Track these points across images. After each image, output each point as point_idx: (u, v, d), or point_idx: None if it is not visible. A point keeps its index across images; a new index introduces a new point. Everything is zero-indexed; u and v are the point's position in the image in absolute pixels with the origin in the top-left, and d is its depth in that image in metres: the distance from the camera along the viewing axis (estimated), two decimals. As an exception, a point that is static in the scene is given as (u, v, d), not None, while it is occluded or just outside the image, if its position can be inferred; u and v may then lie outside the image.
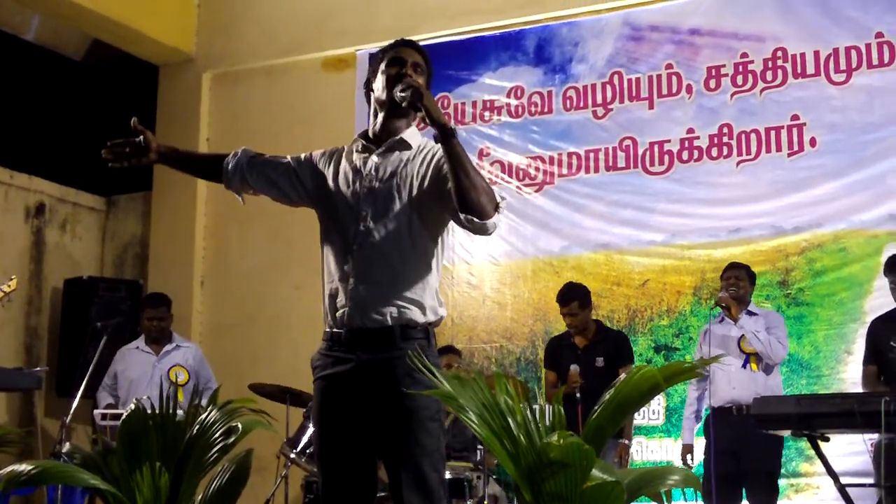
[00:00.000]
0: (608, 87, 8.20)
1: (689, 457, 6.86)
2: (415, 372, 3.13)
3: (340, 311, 3.52)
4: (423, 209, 3.51)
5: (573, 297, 7.18)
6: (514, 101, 8.52)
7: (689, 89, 7.92)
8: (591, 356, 7.06)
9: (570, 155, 8.28)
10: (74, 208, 9.78)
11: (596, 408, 3.05)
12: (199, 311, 9.43)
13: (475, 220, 3.35)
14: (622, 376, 3.03)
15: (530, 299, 8.30)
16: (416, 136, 3.65)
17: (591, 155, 8.21)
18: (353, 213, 3.55)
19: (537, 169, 8.37)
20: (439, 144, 3.34)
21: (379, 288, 3.47)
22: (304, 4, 9.30)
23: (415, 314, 3.48)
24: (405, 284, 3.48)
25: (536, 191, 8.37)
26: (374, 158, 3.57)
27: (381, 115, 3.62)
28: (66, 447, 3.80)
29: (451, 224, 3.55)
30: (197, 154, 3.97)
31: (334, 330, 3.54)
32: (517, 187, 8.41)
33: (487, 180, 3.41)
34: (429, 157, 3.55)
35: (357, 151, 3.64)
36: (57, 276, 9.43)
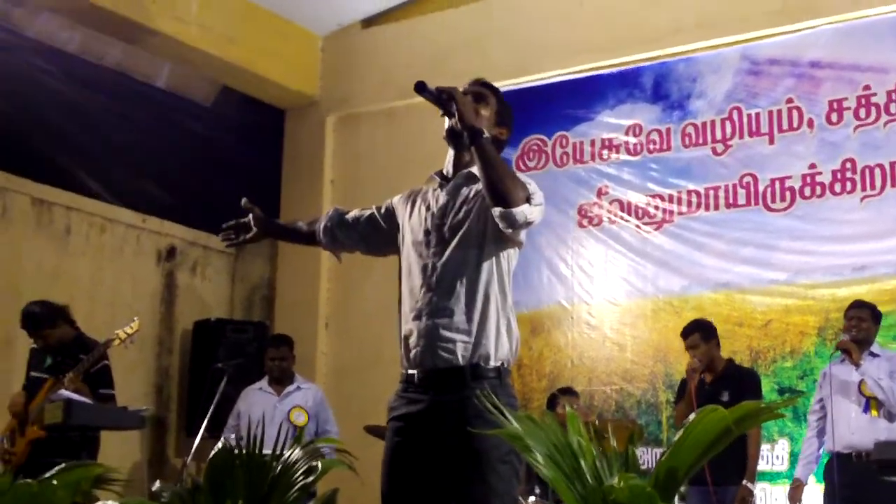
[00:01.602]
0: (727, 123, 8.04)
1: (798, 494, 6.64)
2: (485, 412, 3.08)
3: (413, 351, 3.52)
4: (491, 242, 3.49)
5: (694, 329, 7.07)
6: (632, 139, 8.42)
7: (810, 123, 7.72)
8: (718, 390, 6.90)
9: (689, 192, 8.13)
10: (205, 251, 10.01)
11: (665, 449, 2.97)
12: (323, 353, 9.54)
13: (505, 210, 3.32)
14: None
15: (650, 340, 8.15)
16: None
17: (711, 192, 8.05)
18: (424, 249, 3.55)
19: (657, 207, 8.24)
20: None
21: (449, 325, 3.45)
22: (421, 47, 9.38)
23: (486, 352, 3.44)
24: (475, 322, 3.45)
25: (656, 229, 8.24)
26: (444, 194, 3.57)
27: (450, 151, 3.62)
28: (156, 485, 3.84)
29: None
30: (295, 225, 4.06)
31: (408, 371, 3.54)
32: (636, 226, 8.30)
33: (520, 181, 3.41)
34: None
35: (432, 189, 3.64)
36: (187, 319, 9.66)
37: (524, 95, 8.83)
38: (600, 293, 8.37)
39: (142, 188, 9.41)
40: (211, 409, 7.20)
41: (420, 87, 3.43)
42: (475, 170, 3.57)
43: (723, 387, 6.83)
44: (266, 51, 9.48)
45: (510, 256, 3.56)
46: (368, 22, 9.78)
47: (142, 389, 9.29)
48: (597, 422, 6.89)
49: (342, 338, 9.52)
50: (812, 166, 7.68)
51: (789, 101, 7.82)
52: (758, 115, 7.93)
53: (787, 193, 7.74)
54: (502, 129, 3.69)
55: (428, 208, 3.63)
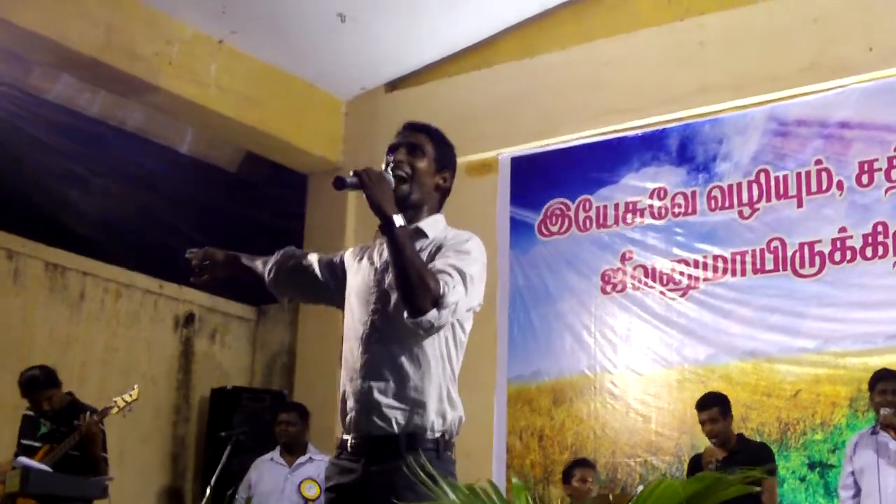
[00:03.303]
0: (754, 186, 7.77)
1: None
2: (417, 484, 2.84)
3: (349, 415, 3.33)
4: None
5: (714, 402, 6.84)
6: (657, 203, 8.17)
7: (839, 186, 7.43)
8: (730, 467, 6.58)
9: (715, 258, 7.85)
10: (224, 318, 9.86)
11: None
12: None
13: (411, 319, 3.14)
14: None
15: (675, 411, 7.82)
16: (436, 225, 3.45)
17: (738, 257, 7.76)
18: (365, 307, 3.35)
19: (682, 273, 7.96)
20: (463, 232, 3.17)
21: (386, 389, 3.26)
22: (445, 109, 9.18)
23: (423, 420, 3.24)
24: (412, 386, 3.26)
25: (681, 296, 7.95)
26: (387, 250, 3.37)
27: None
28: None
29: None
30: (254, 262, 3.84)
31: (343, 436, 3.35)
32: (661, 292, 8.01)
33: (428, 275, 3.16)
34: (444, 244, 3.32)
35: (378, 243, 3.46)
36: (205, 386, 9.48)
37: (547, 158, 8.68)
38: (624, 362, 8.07)
39: (159, 254, 9.28)
40: (214, 479, 6.97)
41: (339, 184, 3.24)
42: (424, 225, 3.41)
43: (736, 463, 6.53)
44: (288, 115, 9.36)
45: (461, 321, 3.35)
46: (392, 86, 9.65)
47: (157, 458, 9.12)
48: (613, 496, 6.60)
49: (362, 407, 9.26)
50: (842, 230, 7.37)
51: (818, 162, 7.55)
52: (786, 177, 7.66)
53: (817, 258, 7.44)
54: (444, 173, 3.52)
55: (372, 263, 3.45)
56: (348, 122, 9.80)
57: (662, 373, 7.92)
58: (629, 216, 8.28)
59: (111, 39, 7.82)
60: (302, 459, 7.63)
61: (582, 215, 8.46)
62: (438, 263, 3.25)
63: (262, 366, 10.07)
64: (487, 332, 8.56)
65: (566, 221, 8.51)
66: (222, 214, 10.07)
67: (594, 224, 8.40)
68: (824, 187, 7.50)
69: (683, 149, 8.15)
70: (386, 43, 9.06)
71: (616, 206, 8.34)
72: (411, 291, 3.13)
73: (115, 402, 6.57)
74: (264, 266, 3.78)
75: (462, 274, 3.22)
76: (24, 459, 5.80)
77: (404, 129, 3.54)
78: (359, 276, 3.48)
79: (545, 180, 8.67)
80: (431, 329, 3.19)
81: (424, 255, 3.32)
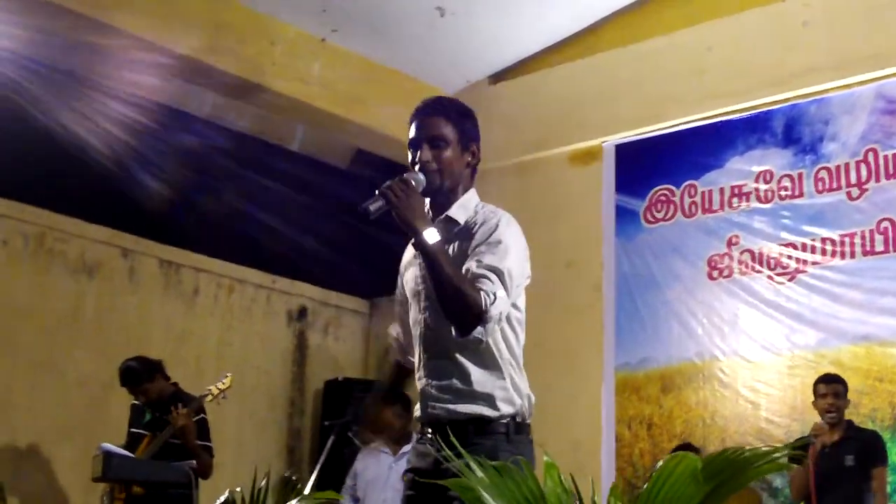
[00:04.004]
0: (862, 166, 7.56)
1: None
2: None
3: (421, 406, 3.38)
4: None
5: (839, 380, 6.77)
6: (763, 186, 8.01)
7: (951, 162, 7.20)
8: (840, 454, 6.45)
9: (823, 240, 7.66)
10: (337, 311, 10.01)
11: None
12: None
13: (460, 338, 3.13)
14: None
15: (785, 398, 7.66)
16: (467, 206, 3.41)
17: (847, 239, 7.56)
18: (418, 307, 3.36)
19: (789, 257, 7.79)
20: (492, 211, 3.16)
21: (448, 387, 3.29)
22: (549, 99, 9.20)
23: (489, 409, 3.24)
24: (474, 381, 3.28)
25: (789, 280, 7.78)
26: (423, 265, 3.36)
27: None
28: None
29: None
30: (402, 359, 3.80)
31: (420, 423, 3.39)
32: (768, 277, 7.86)
33: (467, 288, 3.11)
34: (474, 230, 3.31)
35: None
36: (319, 379, 9.64)
37: (651, 145, 8.59)
38: (732, 348, 7.94)
39: (271, 249, 9.46)
40: (317, 468, 7.07)
41: (367, 214, 3.20)
42: (454, 212, 3.39)
43: (846, 451, 6.39)
44: (394, 110, 9.42)
45: (514, 301, 3.33)
46: (496, 77, 9.66)
47: (274, 449, 9.30)
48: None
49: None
50: (954, 208, 7.15)
51: (928, 139, 7.33)
52: (895, 156, 7.44)
53: (929, 238, 7.22)
54: (471, 148, 3.47)
55: (418, 258, 3.43)
56: (454, 115, 9.83)
57: (772, 359, 7.77)
58: (735, 200, 8.14)
59: (215, 42, 8.00)
60: (406, 448, 7.69)
61: (687, 201, 8.35)
62: (474, 266, 3.19)
63: (376, 358, 10.20)
64: (594, 321, 8.53)
65: (671, 208, 8.41)
66: (335, 210, 10.21)
67: (700, 209, 8.28)
68: (935, 165, 7.28)
69: (789, 130, 7.98)
70: (487, 35, 9.08)
71: (721, 191, 8.21)
72: (453, 313, 3.12)
73: (209, 390, 6.75)
74: (398, 345, 3.76)
75: (499, 273, 3.18)
76: (106, 445, 5.98)
77: (419, 116, 3.45)
78: (410, 273, 3.48)
79: (650, 167, 8.58)
80: (481, 343, 3.18)
81: (456, 247, 3.31)
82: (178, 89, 8.80)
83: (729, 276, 8.05)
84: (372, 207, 3.19)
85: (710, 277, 8.12)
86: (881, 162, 7.49)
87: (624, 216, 8.60)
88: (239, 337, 9.17)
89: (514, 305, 3.37)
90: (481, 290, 3.12)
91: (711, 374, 8.01)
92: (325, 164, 10.40)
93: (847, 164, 7.65)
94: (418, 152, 3.38)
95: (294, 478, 4.58)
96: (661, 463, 2.37)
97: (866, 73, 7.64)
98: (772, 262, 7.87)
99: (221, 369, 8.77)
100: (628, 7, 8.82)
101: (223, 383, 6.80)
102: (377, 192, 3.21)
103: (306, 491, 7.08)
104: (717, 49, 8.34)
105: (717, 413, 7.95)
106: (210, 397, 6.69)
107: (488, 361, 3.29)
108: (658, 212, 8.47)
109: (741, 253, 8.00)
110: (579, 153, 8.99)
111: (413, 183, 3.28)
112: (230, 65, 8.22)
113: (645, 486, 2.38)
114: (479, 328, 3.13)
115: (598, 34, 9.02)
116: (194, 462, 6.26)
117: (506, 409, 3.29)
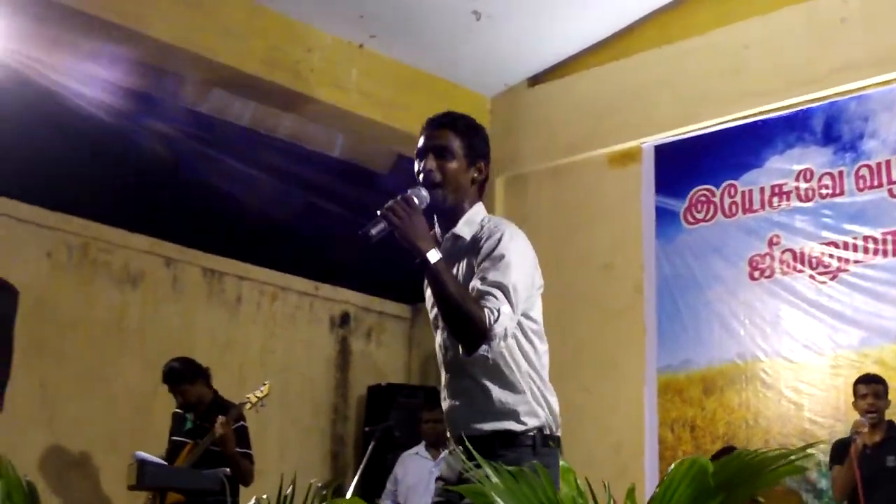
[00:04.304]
0: (903, 163, 7.49)
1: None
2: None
3: (448, 423, 3.40)
4: None
5: (880, 380, 6.74)
6: (803, 185, 7.94)
7: None
8: (882, 454, 6.39)
9: (865, 238, 7.58)
10: (379, 317, 10.04)
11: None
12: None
13: (466, 356, 3.13)
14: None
15: (829, 399, 7.58)
16: (472, 221, 3.38)
17: (889, 237, 7.48)
18: (438, 326, 3.37)
19: (831, 256, 7.72)
20: (496, 225, 3.14)
21: (470, 406, 3.30)
22: (586, 102, 9.18)
23: (515, 424, 3.24)
24: (496, 399, 3.27)
25: (831, 279, 7.71)
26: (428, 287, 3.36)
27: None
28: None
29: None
30: None
31: (450, 437, 3.44)
32: (810, 276, 7.79)
33: (472, 307, 3.10)
34: (481, 244, 3.30)
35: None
36: (362, 385, 9.67)
37: (690, 145, 8.54)
38: (774, 349, 7.88)
39: (315, 256, 9.51)
40: (359, 473, 7.13)
41: (367, 238, 3.21)
42: (459, 229, 3.37)
43: (888, 451, 6.33)
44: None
45: (526, 311, 3.32)
46: (534, 80, 9.65)
47: (318, 455, 9.35)
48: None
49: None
50: None
51: (971, 134, 7.23)
52: (936, 152, 7.37)
53: (972, 235, 7.13)
54: (478, 164, 3.45)
55: None
56: (493, 118, 9.83)
57: (815, 359, 7.70)
58: (775, 200, 8.08)
59: (252, 51, 8.05)
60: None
61: (727, 201, 8.30)
62: (478, 283, 3.18)
63: (419, 363, 10.21)
64: (635, 323, 8.50)
65: (711, 208, 8.37)
66: (373, 216, 10.24)
67: (740, 209, 8.22)
68: (978, 160, 7.18)
69: (829, 128, 7.91)
70: (524, 38, 9.07)
71: (762, 191, 8.15)
72: (458, 332, 3.12)
73: (248, 398, 6.82)
74: None
75: (504, 289, 3.16)
76: (140, 454, 6.04)
77: (428, 128, 3.48)
78: (428, 292, 3.44)
79: (689, 167, 8.54)
80: (488, 360, 3.18)
81: (464, 263, 3.31)
82: (219, 98, 8.87)
83: (770, 276, 7.99)
84: (373, 231, 3.18)
85: (752, 278, 8.07)
86: (923, 158, 7.41)
87: (664, 217, 8.56)
88: (282, 344, 9.23)
89: (529, 317, 3.35)
90: (485, 307, 3.11)
91: (754, 375, 7.95)
92: (366, 169, 10.44)
93: (888, 161, 7.57)
94: (423, 162, 3.38)
95: (325, 490, 4.64)
96: (672, 467, 2.37)
97: (906, 69, 7.56)
98: (813, 261, 7.81)
99: (265, 377, 8.81)
100: (664, 7, 8.78)
101: (261, 391, 6.87)
102: (378, 213, 3.21)
103: (348, 495, 7.17)
104: (753, 47, 8.28)
105: (760, 414, 7.89)
106: (249, 405, 6.75)
107: (507, 377, 3.27)
108: (698, 212, 8.42)
109: (782, 253, 7.94)
110: (618, 155, 8.97)
111: (416, 200, 3.28)
112: (267, 73, 8.27)
113: (655, 489, 2.38)
114: (484, 347, 3.12)
115: (634, 35, 9.00)
116: (228, 469, 6.30)
117: (531, 422, 3.27)
